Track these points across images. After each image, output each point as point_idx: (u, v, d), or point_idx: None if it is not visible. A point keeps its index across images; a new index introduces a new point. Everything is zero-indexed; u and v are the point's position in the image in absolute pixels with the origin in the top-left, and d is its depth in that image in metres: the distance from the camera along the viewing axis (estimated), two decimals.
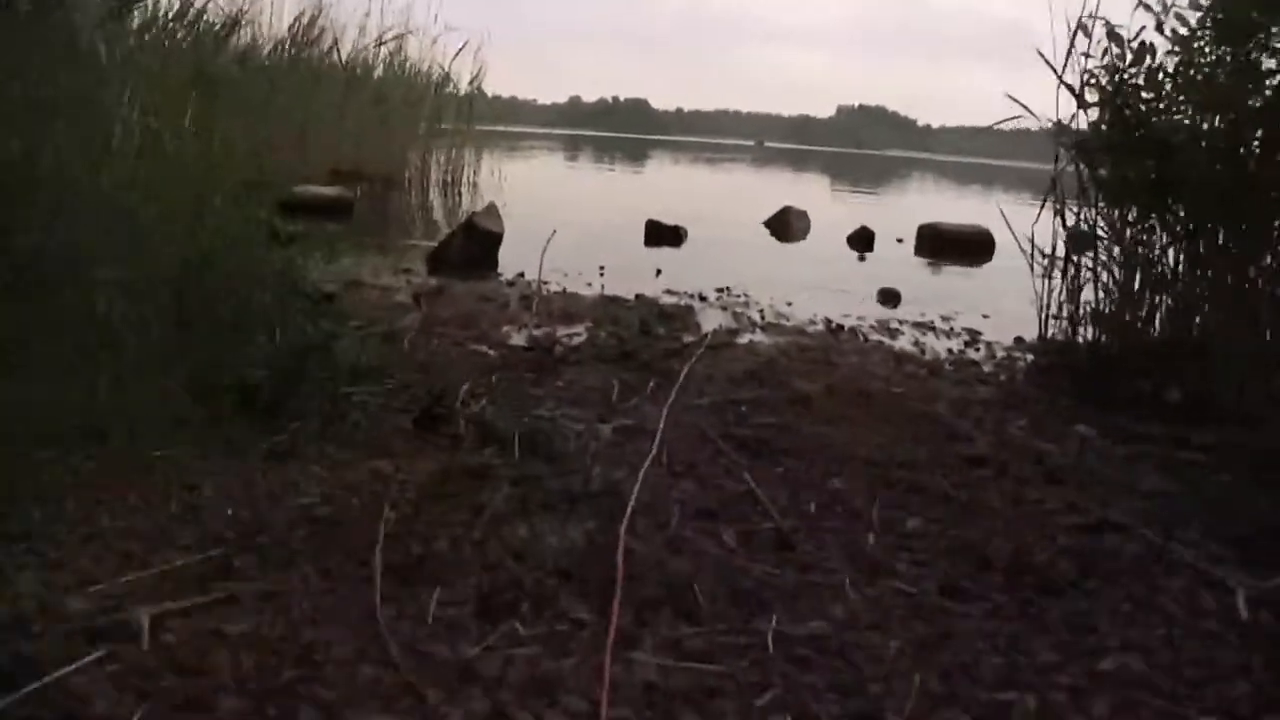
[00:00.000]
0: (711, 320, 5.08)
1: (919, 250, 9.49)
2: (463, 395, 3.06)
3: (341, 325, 3.78)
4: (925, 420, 3.29)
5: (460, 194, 13.00)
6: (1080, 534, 2.33)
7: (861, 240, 9.69)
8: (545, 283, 5.60)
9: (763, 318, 5.24)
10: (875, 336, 4.93)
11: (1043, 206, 4.56)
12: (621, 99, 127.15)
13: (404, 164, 13.36)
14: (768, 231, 10.46)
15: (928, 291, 6.72)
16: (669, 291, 5.84)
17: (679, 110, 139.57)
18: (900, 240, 9.87)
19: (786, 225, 10.49)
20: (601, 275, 6.26)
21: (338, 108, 12.31)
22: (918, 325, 5.35)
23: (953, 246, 9.33)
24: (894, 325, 5.28)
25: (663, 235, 8.88)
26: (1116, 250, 4.31)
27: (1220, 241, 3.96)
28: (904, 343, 4.86)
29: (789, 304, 5.71)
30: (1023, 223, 4.51)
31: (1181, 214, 4.08)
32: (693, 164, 31.23)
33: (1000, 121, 5.03)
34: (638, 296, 5.52)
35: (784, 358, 4.19)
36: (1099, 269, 4.38)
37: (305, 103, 11.62)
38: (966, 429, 3.22)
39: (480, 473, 2.37)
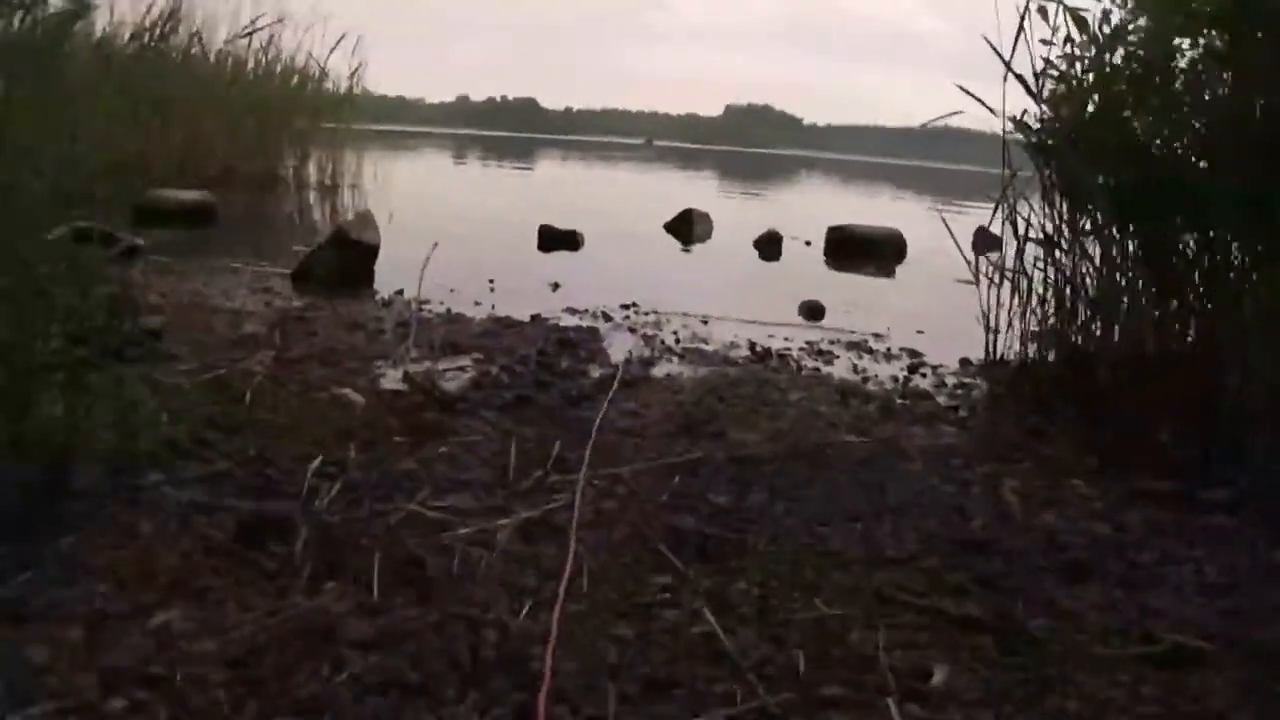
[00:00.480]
0: (621, 346, 4.38)
1: (829, 253, 8.99)
2: (309, 478, 2.30)
3: (159, 375, 2.98)
4: (901, 485, 2.66)
5: (340, 197, 11.99)
6: (1158, 673, 1.72)
7: (769, 244, 9.15)
8: (426, 303, 4.83)
9: (678, 341, 4.58)
10: (809, 363, 4.30)
11: (995, 212, 4.08)
12: (510, 98, 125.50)
13: (278, 165, 12.31)
14: (668, 235, 9.83)
15: (849, 301, 6.16)
16: (569, 310, 5.14)
17: (568, 109, 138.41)
18: (809, 243, 9.37)
19: (689, 228, 9.86)
20: (492, 291, 5.53)
21: (203, 102, 11.16)
22: (851, 346, 4.76)
23: (864, 250, 8.85)
24: (825, 347, 4.68)
25: (557, 241, 8.15)
26: (1085, 264, 3.83)
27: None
28: (841, 369, 4.26)
29: (704, 322, 5.07)
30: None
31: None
32: (583, 163, 30.47)
33: (936, 118, 4.54)
34: (534, 318, 4.80)
35: (712, 397, 3.52)
36: (1060, 281, 3.89)
37: (166, 96, 10.48)
38: (952, 497, 2.60)
39: (320, 629, 1.61)
